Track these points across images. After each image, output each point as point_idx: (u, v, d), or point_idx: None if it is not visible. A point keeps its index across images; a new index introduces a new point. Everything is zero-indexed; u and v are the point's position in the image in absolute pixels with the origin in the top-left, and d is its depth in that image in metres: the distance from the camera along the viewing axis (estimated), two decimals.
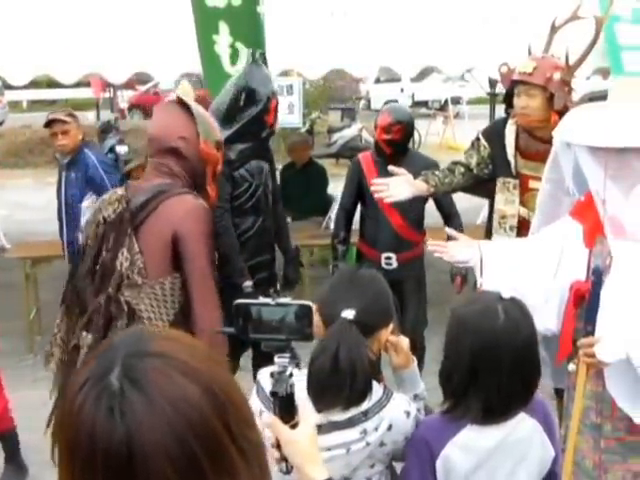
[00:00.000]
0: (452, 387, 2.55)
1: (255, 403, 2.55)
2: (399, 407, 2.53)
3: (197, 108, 3.70)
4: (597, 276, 3.15)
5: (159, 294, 3.51)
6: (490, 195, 5.09)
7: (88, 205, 6.62)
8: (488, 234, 5.08)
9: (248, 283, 4.90)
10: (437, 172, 4.89)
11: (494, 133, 4.99)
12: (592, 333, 3.13)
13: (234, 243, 4.96)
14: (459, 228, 5.66)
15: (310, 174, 9.26)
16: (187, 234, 3.47)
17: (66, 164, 6.81)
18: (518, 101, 4.61)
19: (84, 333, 3.54)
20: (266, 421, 1.90)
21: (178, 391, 1.20)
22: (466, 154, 5.08)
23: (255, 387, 2.62)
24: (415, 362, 2.77)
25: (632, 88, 3.45)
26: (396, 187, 4.51)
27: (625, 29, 6.59)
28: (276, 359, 1.88)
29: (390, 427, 2.47)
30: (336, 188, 9.91)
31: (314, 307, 2.52)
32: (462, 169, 4.96)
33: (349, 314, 2.44)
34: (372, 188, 4.66)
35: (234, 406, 1.26)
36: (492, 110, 11.93)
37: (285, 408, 1.87)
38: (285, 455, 1.88)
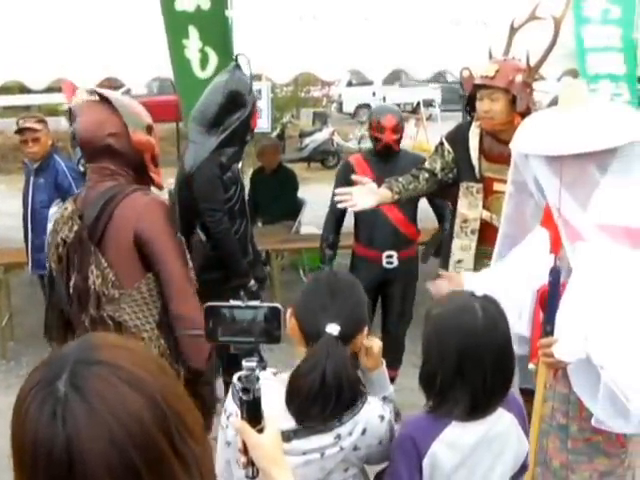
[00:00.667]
0: (436, 387, 2.56)
1: (230, 406, 2.56)
2: (373, 411, 2.53)
3: (119, 99, 3.60)
4: (554, 276, 3.18)
5: (138, 299, 3.46)
6: (454, 199, 5.10)
7: (54, 212, 6.63)
8: (450, 238, 5.11)
9: (253, 282, 4.97)
10: (401, 179, 4.87)
11: (458, 137, 5.03)
12: (551, 333, 3.16)
13: (235, 245, 5.03)
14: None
15: (280, 178, 9.28)
16: (147, 233, 3.41)
17: (35, 170, 6.81)
18: (481, 105, 4.66)
19: None
20: (234, 425, 1.91)
21: (120, 400, 1.21)
22: (430, 159, 5.10)
23: (231, 390, 2.62)
24: (384, 364, 2.77)
25: (577, 91, 3.45)
26: (359, 196, 4.49)
27: (592, 31, 6.62)
28: (244, 363, 1.87)
29: (364, 431, 2.48)
30: (307, 192, 9.96)
31: (289, 310, 2.53)
32: (426, 174, 4.97)
33: (334, 330, 2.40)
34: (336, 198, 4.65)
35: (177, 416, 1.27)
36: (464, 112, 11.99)
37: (252, 412, 1.87)
38: (252, 459, 1.88)
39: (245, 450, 1.88)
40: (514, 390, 2.86)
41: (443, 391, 2.55)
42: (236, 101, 4.90)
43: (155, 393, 1.25)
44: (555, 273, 3.18)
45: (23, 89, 8.86)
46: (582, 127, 3.16)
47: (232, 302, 1.93)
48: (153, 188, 3.69)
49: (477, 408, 2.54)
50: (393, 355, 5.34)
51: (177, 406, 1.28)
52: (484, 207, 4.87)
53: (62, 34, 6.93)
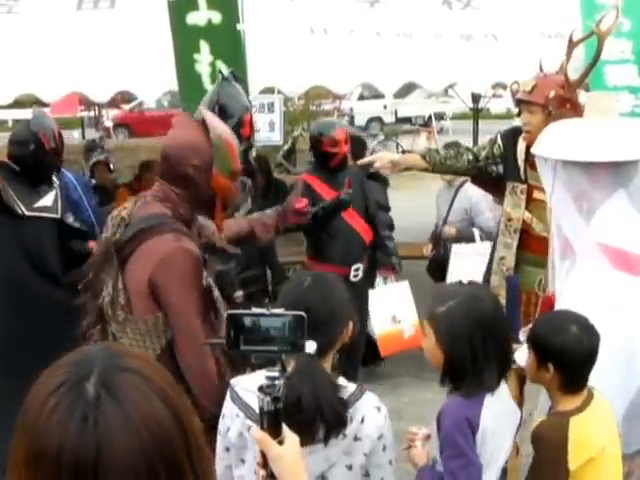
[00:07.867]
0: (468, 370, 2.91)
1: (230, 409, 2.63)
2: (370, 402, 2.66)
3: (218, 133, 3.50)
4: (510, 284, 3.41)
5: (143, 329, 3.40)
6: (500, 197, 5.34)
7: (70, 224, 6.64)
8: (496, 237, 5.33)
9: (239, 293, 5.02)
10: (441, 151, 5.18)
11: (510, 137, 5.17)
12: (515, 340, 3.45)
13: (221, 256, 5.04)
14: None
15: (275, 189, 9.21)
16: (161, 282, 3.34)
17: None
18: (521, 118, 4.85)
19: None
20: (255, 436, 1.87)
21: (153, 414, 1.23)
22: (479, 146, 5.43)
23: (229, 393, 2.66)
24: None
25: (606, 103, 3.52)
26: (391, 160, 4.98)
27: (607, 44, 6.59)
28: (266, 373, 1.84)
29: (363, 419, 2.58)
30: None
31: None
32: (470, 157, 5.19)
33: (310, 347, 2.23)
34: (376, 164, 5.14)
35: (194, 436, 1.31)
36: (475, 125, 11.97)
37: (273, 423, 1.83)
38: (272, 471, 1.84)
39: (264, 463, 1.84)
40: None
41: (476, 369, 2.88)
42: (221, 112, 4.97)
43: (180, 413, 1.28)
44: (510, 281, 3.42)
45: (36, 102, 8.82)
46: (600, 138, 3.24)
47: (255, 310, 1.87)
48: None
49: (501, 375, 2.99)
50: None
51: (195, 426, 1.32)
52: (526, 208, 4.99)
53: (76, 47, 6.94)
